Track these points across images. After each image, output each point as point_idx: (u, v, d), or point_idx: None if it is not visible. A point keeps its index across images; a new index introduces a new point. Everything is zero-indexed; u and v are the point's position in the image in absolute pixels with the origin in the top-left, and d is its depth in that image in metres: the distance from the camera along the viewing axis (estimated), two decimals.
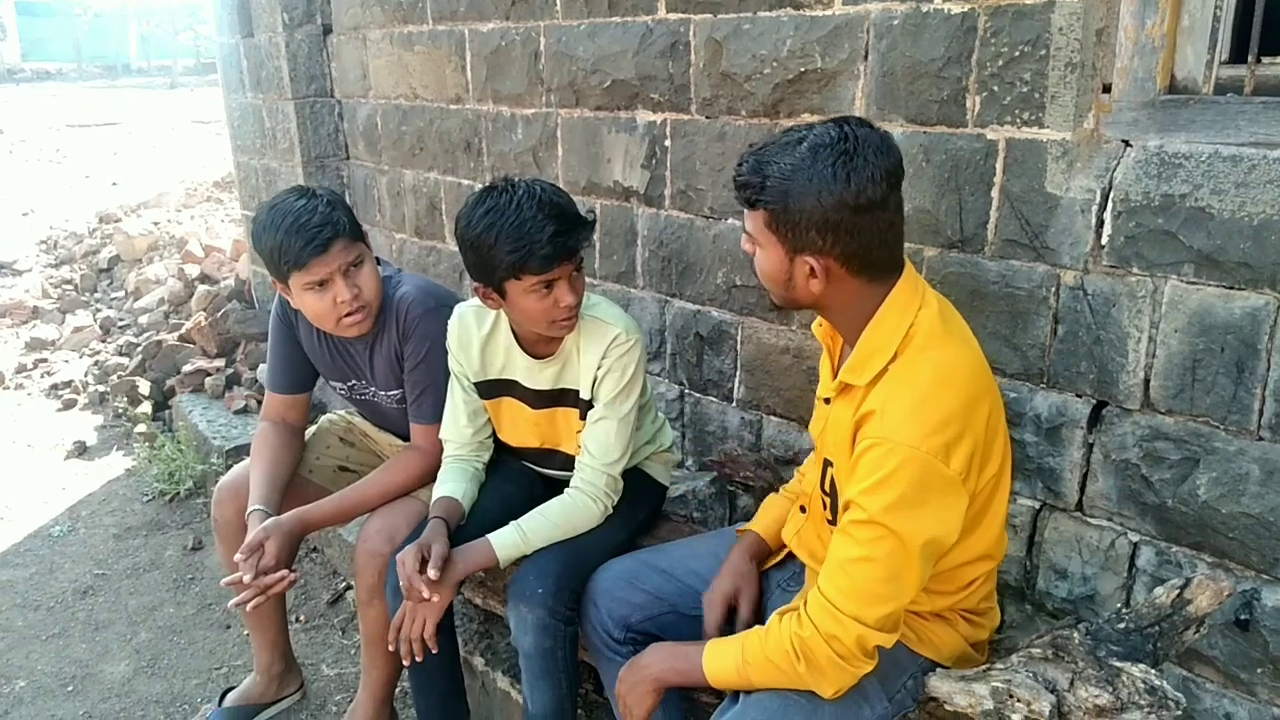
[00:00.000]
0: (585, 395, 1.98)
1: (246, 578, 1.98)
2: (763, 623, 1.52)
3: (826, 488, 1.57)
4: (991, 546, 1.53)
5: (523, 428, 2.10)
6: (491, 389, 2.07)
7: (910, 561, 1.36)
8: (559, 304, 1.81)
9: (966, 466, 1.36)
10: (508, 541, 1.88)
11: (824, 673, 1.40)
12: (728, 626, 1.71)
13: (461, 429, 2.09)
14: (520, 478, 2.19)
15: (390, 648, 1.87)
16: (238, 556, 2.00)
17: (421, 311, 2.11)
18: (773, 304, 1.57)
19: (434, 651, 1.86)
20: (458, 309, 2.07)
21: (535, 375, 2.01)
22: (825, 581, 1.41)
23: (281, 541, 2.03)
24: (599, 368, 1.94)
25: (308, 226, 1.98)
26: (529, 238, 1.72)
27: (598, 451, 1.95)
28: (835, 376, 1.53)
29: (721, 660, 1.51)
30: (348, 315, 2.06)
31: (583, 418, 2.00)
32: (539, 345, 1.98)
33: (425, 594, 1.79)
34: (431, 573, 1.78)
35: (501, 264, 1.75)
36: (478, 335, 2.02)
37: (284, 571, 2.02)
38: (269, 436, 2.29)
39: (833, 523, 1.57)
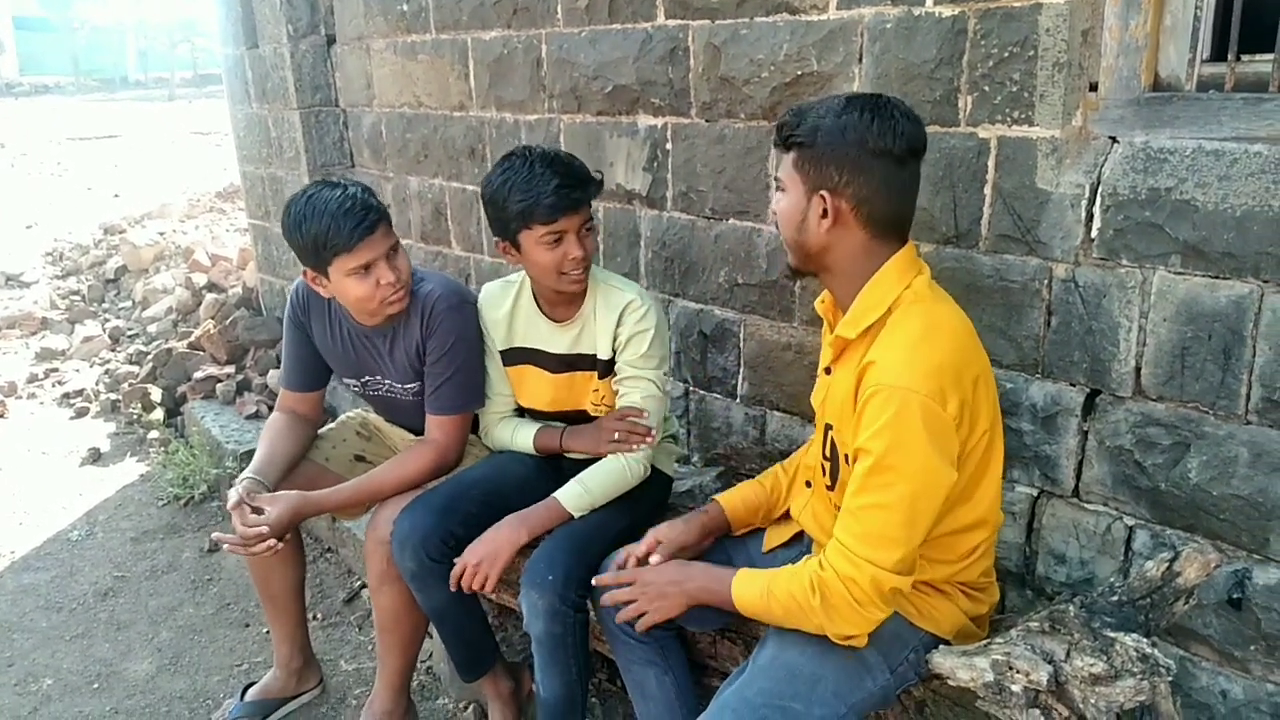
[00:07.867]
0: (603, 356, 2.13)
1: (236, 517, 2.09)
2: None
3: (827, 453, 1.64)
4: (987, 512, 1.59)
5: (544, 392, 2.23)
6: (515, 356, 2.23)
7: (918, 502, 1.42)
8: (568, 256, 2.01)
9: (959, 414, 1.44)
10: (573, 495, 2.05)
11: (837, 612, 1.46)
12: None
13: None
14: (516, 469, 2.26)
15: (452, 588, 2.00)
16: (233, 495, 2.11)
17: (446, 307, 2.18)
18: (787, 269, 1.67)
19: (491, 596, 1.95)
20: (486, 285, 2.27)
21: (554, 339, 2.16)
22: (840, 528, 1.48)
23: (284, 510, 2.10)
24: (617, 332, 2.11)
25: (354, 211, 2.04)
26: (536, 189, 1.95)
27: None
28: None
29: (748, 586, 1.58)
30: (392, 295, 2.12)
31: (601, 378, 2.16)
32: (558, 308, 2.16)
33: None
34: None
35: (513, 214, 1.98)
36: (503, 305, 2.21)
37: (263, 529, 2.06)
38: (276, 422, 2.39)
39: (830, 488, 1.64)
